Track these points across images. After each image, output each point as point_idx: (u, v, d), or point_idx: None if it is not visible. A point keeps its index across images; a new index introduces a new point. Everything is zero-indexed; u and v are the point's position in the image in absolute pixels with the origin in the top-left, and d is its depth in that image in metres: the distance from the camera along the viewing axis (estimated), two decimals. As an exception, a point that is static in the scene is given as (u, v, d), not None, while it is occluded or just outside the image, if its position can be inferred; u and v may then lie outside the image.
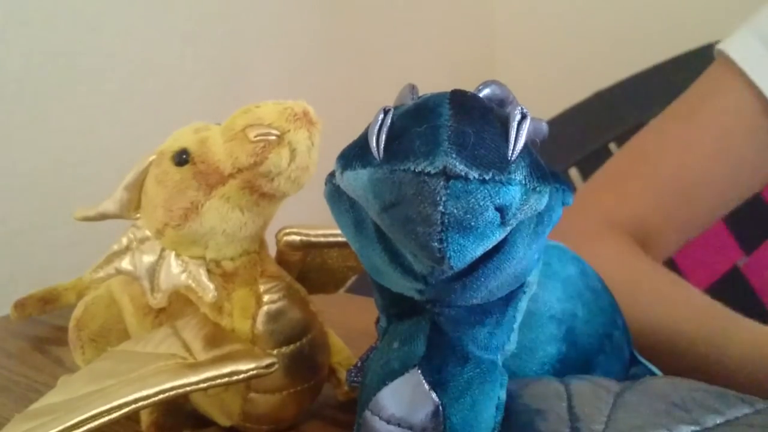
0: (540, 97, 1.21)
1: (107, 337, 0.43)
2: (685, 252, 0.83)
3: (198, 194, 0.35)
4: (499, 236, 0.20)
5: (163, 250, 0.36)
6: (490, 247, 0.20)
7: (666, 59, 0.94)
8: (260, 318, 0.37)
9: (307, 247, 0.39)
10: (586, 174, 0.94)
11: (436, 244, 0.19)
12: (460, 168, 0.18)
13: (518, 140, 0.19)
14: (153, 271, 0.36)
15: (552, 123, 1.02)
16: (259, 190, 0.35)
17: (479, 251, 0.20)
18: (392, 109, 0.21)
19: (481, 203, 0.19)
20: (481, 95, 0.22)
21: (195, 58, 0.86)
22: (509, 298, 0.24)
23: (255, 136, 0.33)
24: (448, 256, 0.19)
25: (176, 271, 0.36)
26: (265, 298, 0.37)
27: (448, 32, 1.24)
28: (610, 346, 0.32)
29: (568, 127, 0.97)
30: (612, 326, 0.32)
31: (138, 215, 0.37)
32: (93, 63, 0.76)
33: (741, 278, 0.85)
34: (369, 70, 1.08)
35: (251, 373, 0.32)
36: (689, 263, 0.85)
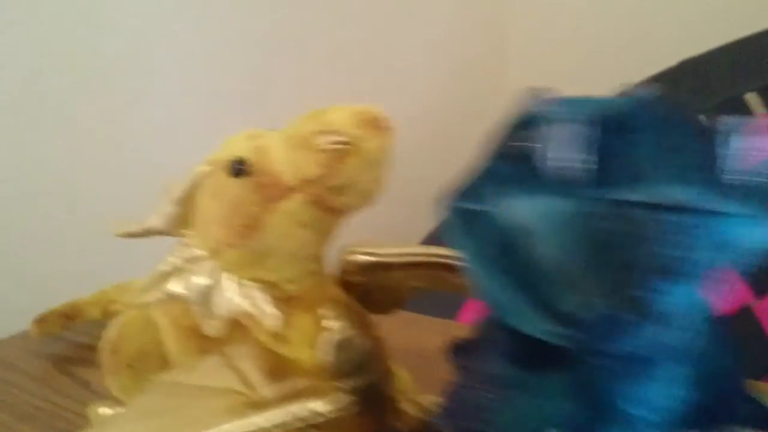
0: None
1: (145, 362, 0.40)
2: None
3: (258, 209, 0.31)
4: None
5: (217, 271, 0.32)
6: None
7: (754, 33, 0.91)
8: (325, 347, 0.33)
9: (376, 268, 0.35)
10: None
11: (648, 292, 0.15)
12: (715, 203, 0.15)
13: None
14: (207, 295, 0.32)
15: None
16: (327, 205, 0.31)
17: (693, 298, 0.16)
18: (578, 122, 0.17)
19: (728, 242, 0.15)
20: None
21: (217, 58, 0.82)
22: (680, 348, 0.20)
23: (325, 144, 0.30)
24: (657, 305, 0.15)
25: (233, 295, 0.32)
26: (330, 324, 0.33)
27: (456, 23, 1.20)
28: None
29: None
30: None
31: (187, 232, 0.33)
32: (112, 63, 0.72)
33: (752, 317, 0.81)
34: (374, 67, 1.04)
35: (331, 415, 0.28)
36: None
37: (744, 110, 0.96)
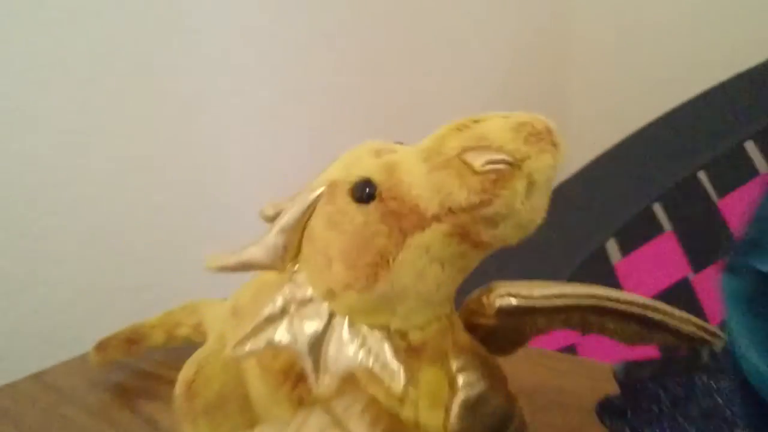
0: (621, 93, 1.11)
1: (224, 408, 0.34)
2: (631, 260, 0.81)
3: (388, 243, 0.25)
4: None
5: (332, 315, 0.26)
6: None
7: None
8: (457, 409, 0.27)
9: (520, 313, 0.28)
10: (765, 149, 0.86)
11: None
12: None
13: None
14: (319, 344, 0.26)
15: (718, 90, 0.93)
16: (475, 239, 0.25)
17: None
18: None
19: None
20: None
21: (267, 59, 0.76)
22: None
23: (483, 165, 0.23)
24: None
25: (351, 346, 0.26)
26: (461, 379, 0.27)
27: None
28: None
29: (741, 95, 0.90)
30: None
31: (296, 268, 0.27)
32: (169, 62, 0.67)
33: (689, 291, 0.79)
34: (435, 75, 0.97)
35: None
36: (633, 272, 0.81)
37: None
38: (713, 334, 0.31)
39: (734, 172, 0.91)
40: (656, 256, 0.89)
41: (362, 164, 0.26)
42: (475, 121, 0.24)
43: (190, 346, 0.40)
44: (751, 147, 0.90)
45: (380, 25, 0.88)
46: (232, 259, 0.28)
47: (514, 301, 0.28)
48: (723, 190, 0.90)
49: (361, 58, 0.85)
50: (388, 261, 0.25)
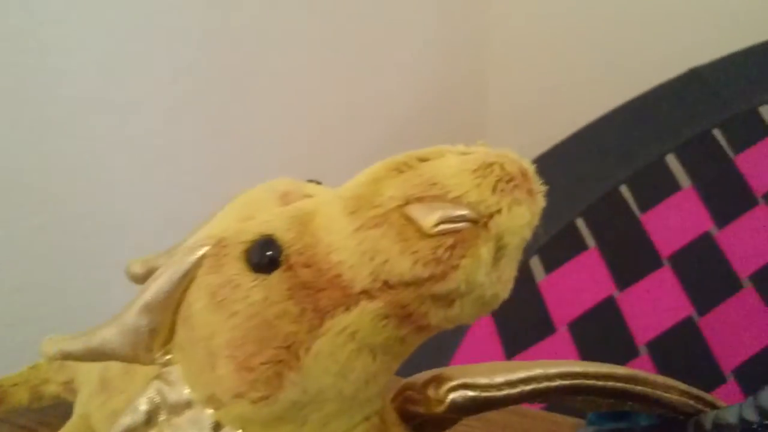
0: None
1: None
2: (555, 278, 0.81)
3: (300, 328, 0.17)
4: None
5: (217, 428, 0.19)
6: None
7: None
8: None
9: (485, 407, 0.22)
10: (686, 162, 0.83)
11: None
12: None
13: None
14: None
15: (639, 101, 0.93)
16: (418, 322, 0.18)
17: None
18: None
19: None
20: None
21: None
22: None
23: (436, 224, 0.16)
24: None
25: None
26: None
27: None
28: None
29: (662, 107, 0.86)
30: None
31: (169, 357, 0.19)
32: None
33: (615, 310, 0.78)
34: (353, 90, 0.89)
35: None
36: (557, 291, 0.80)
37: (758, 124, 0.90)
38: (708, 404, 0.26)
39: (656, 185, 0.89)
40: (580, 274, 0.86)
41: (263, 215, 0.18)
42: (422, 159, 0.17)
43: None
44: (672, 160, 0.88)
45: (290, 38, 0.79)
46: (78, 344, 0.19)
47: (471, 394, 0.21)
48: (645, 205, 0.88)
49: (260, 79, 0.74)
50: (297, 355, 0.17)
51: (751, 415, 0.24)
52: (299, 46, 0.74)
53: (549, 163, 0.95)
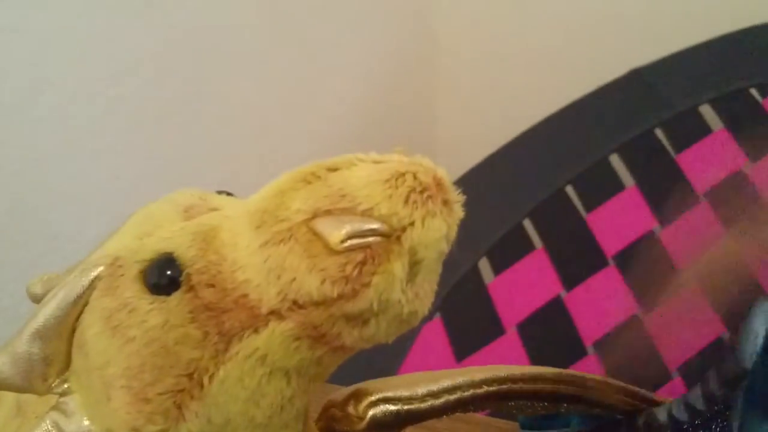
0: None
1: None
2: (503, 280, 0.81)
3: (203, 354, 0.16)
4: None
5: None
6: None
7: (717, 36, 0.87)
8: None
9: (408, 421, 0.21)
10: (629, 162, 0.84)
11: None
12: None
13: None
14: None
15: (582, 102, 0.94)
16: (332, 342, 0.17)
17: None
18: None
19: None
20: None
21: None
22: None
23: (344, 240, 0.15)
24: None
25: None
26: None
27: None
28: None
29: (604, 107, 0.88)
30: None
31: (66, 386, 0.18)
32: None
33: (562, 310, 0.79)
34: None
35: None
36: (505, 292, 0.81)
37: (699, 124, 0.92)
38: (648, 401, 0.26)
39: (600, 185, 0.90)
40: (528, 275, 0.86)
41: (163, 231, 0.17)
42: (331, 169, 0.16)
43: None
44: (615, 160, 0.89)
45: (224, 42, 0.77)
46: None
47: (392, 408, 0.20)
48: (590, 205, 0.89)
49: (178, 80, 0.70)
50: (201, 383, 0.16)
51: (681, 414, 0.24)
52: (246, 46, 0.72)
53: (495, 165, 0.96)
